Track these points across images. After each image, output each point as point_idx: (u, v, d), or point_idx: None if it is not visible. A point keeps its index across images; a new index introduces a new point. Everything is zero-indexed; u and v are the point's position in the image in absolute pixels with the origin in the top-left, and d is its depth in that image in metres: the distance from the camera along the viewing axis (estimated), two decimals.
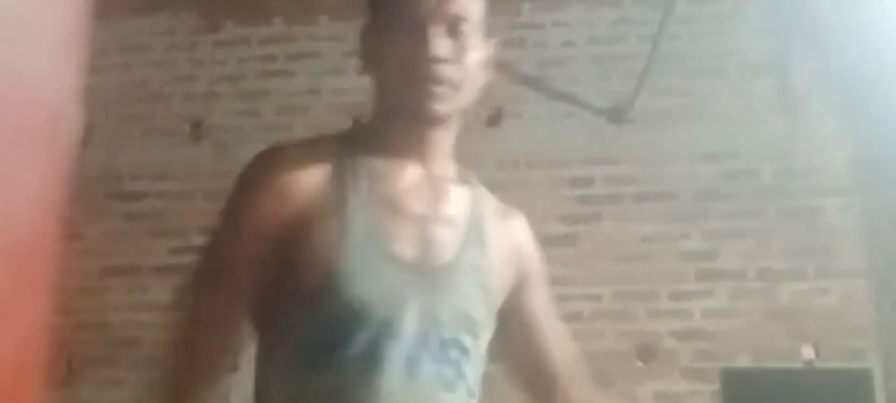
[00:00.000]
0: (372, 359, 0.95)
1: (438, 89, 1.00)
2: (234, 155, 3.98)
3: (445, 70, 1.00)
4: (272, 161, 1.03)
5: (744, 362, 3.50)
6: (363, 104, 4.34)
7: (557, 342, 1.16)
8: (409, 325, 0.96)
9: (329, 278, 0.95)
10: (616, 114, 3.78)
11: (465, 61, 1.03)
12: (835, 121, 3.68)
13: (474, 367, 1.04)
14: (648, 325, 3.58)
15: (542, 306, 1.16)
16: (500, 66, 1.19)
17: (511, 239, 1.14)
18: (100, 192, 3.89)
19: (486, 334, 1.07)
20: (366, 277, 0.96)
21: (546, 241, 4.17)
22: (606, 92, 3.81)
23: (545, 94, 3.87)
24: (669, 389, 3.52)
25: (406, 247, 1.00)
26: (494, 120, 3.85)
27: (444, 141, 1.07)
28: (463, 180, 1.12)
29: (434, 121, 1.03)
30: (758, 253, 3.59)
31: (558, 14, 3.96)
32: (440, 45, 0.99)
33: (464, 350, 1.01)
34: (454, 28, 1.02)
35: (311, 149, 1.07)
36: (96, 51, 4.32)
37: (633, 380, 3.53)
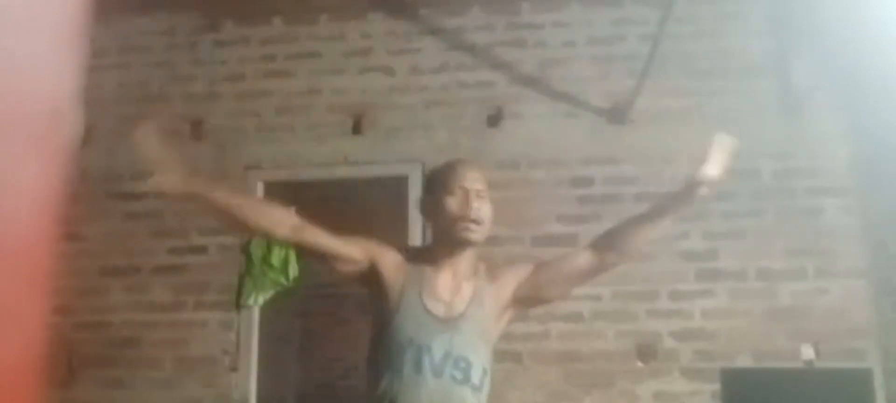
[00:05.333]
0: (416, 366, 1.78)
1: (475, 227, 1.87)
2: (234, 155, 3.98)
3: (478, 216, 1.87)
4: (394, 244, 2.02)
5: (744, 362, 3.50)
6: (362, 104, 4.34)
7: (562, 255, 2.00)
8: (436, 350, 1.79)
9: (394, 322, 1.83)
10: (616, 114, 3.78)
11: (484, 211, 1.89)
12: (835, 121, 3.68)
13: (477, 371, 1.82)
14: (648, 325, 3.58)
15: (532, 264, 1.98)
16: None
17: (499, 283, 1.92)
18: (100, 192, 3.89)
19: (489, 351, 1.88)
20: (410, 319, 1.83)
21: (546, 241, 4.16)
22: (606, 92, 3.81)
23: (545, 94, 3.87)
24: (669, 389, 3.52)
25: (438, 310, 1.85)
26: (494, 120, 3.85)
27: (468, 254, 1.91)
28: (475, 270, 1.92)
29: (470, 245, 1.89)
30: (758, 253, 3.59)
31: (558, 14, 3.96)
32: (475, 204, 1.87)
33: (469, 363, 1.81)
34: (478, 194, 1.89)
35: (404, 250, 2.00)
36: (96, 51, 4.31)
37: (633, 380, 3.54)
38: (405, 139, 3.88)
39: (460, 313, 1.84)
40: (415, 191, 3.80)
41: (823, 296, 3.53)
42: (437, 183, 1.93)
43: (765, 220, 3.62)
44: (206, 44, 4.13)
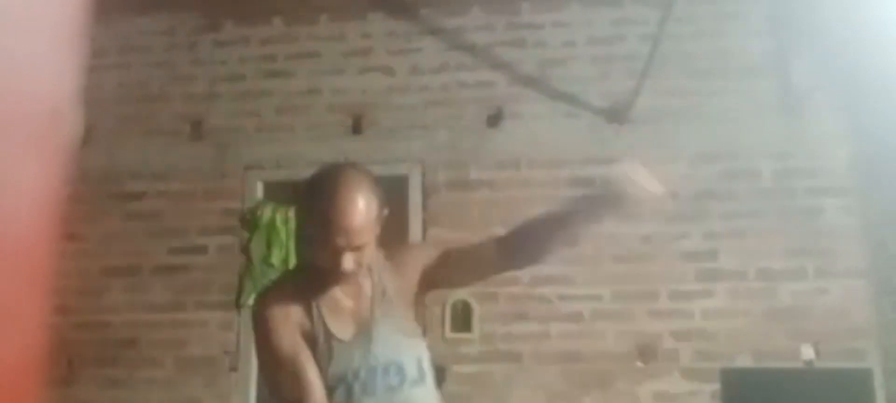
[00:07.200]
0: (348, 393, 1.65)
1: (349, 273, 1.62)
2: (234, 155, 3.98)
3: (351, 274, 1.62)
4: (269, 301, 1.75)
5: (744, 362, 3.50)
6: (362, 104, 4.33)
7: (470, 243, 1.81)
8: (362, 372, 1.66)
9: (320, 364, 1.65)
10: (616, 114, 3.78)
11: (363, 258, 1.63)
12: (835, 121, 3.68)
13: (411, 365, 1.70)
14: (648, 325, 3.58)
15: (440, 248, 1.80)
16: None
17: (404, 271, 1.76)
18: (100, 192, 3.89)
19: (416, 340, 1.75)
20: (329, 360, 1.66)
21: None
22: (606, 92, 3.82)
23: (545, 94, 3.87)
24: (669, 389, 3.52)
25: (346, 333, 1.69)
26: (494, 120, 3.85)
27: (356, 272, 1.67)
28: (368, 271, 1.72)
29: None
30: (758, 253, 3.59)
31: (558, 14, 3.96)
32: (348, 262, 1.60)
33: (399, 364, 1.68)
34: (357, 249, 1.60)
35: (285, 290, 1.75)
36: (96, 51, 4.32)
37: (633, 380, 3.54)
38: (405, 139, 3.88)
39: (368, 321, 1.69)
40: (415, 192, 3.80)
41: (823, 296, 3.53)
42: (311, 210, 1.62)
43: (765, 220, 3.62)
44: (206, 44, 4.13)
